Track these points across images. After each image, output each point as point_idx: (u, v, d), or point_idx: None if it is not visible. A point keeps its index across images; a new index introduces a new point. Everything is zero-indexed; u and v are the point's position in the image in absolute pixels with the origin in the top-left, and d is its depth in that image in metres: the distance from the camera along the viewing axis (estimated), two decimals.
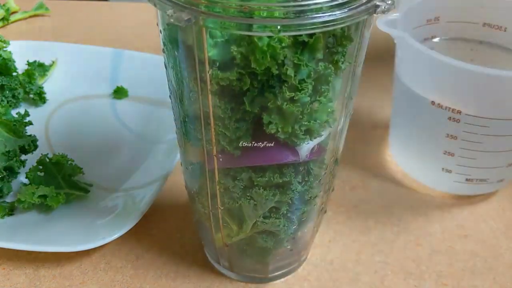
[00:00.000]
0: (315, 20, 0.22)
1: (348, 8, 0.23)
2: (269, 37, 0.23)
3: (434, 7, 0.48)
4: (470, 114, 0.39)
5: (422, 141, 0.45)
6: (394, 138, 0.50)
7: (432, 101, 0.40)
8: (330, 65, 0.25)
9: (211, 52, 0.24)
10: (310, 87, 0.25)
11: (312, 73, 0.24)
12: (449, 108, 0.40)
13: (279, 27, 0.22)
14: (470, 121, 0.39)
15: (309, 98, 0.25)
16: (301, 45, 0.23)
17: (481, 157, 0.42)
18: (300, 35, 0.23)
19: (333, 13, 0.22)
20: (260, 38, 0.23)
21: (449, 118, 0.40)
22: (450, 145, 0.42)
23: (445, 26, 0.48)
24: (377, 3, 0.24)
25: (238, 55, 0.23)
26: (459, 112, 0.39)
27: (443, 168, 0.44)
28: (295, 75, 0.24)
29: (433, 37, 0.49)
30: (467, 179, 0.44)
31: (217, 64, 0.24)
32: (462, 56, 0.48)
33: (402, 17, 0.42)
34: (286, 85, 0.24)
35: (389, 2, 0.24)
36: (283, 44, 0.23)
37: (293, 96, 0.25)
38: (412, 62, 0.42)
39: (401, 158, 0.49)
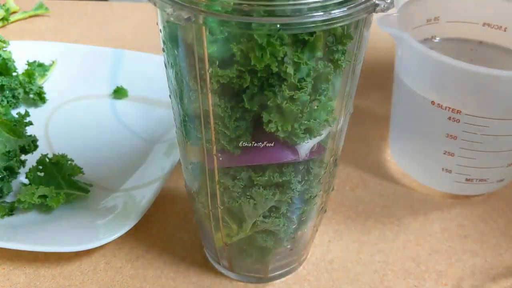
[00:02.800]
0: (314, 19, 0.22)
1: (347, 7, 0.23)
2: (269, 34, 0.23)
3: (434, 7, 0.48)
4: (470, 114, 0.39)
5: (422, 141, 0.45)
6: (394, 138, 0.50)
7: (432, 101, 0.40)
8: (330, 64, 0.25)
9: (210, 49, 0.24)
10: (309, 85, 0.25)
11: (311, 71, 0.24)
12: (449, 108, 0.40)
13: (278, 25, 0.22)
14: (470, 121, 0.39)
15: (308, 97, 0.25)
16: (301, 43, 0.23)
17: (481, 157, 0.42)
18: (300, 33, 0.23)
19: (333, 12, 0.22)
20: (260, 35, 0.23)
21: (449, 118, 0.40)
22: (450, 145, 0.42)
23: (445, 26, 0.48)
24: (377, 1, 0.24)
25: (238, 52, 0.23)
26: (459, 112, 0.39)
27: (443, 168, 0.44)
28: (294, 74, 0.24)
29: (433, 37, 0.49)
30: (467, 179, 0.44)
31: (217, 62, 0.24)
32: (462, 56, 0.48)
33: (402, 17, 0.42)
34: (286, 84, 0.24)
35: (388, 1, 0.24)
36: (283, 41, 0.23)
37: (293, 95, 0.25)
38: (412, 62, 0.42)
39: (400, 158, 0.49)
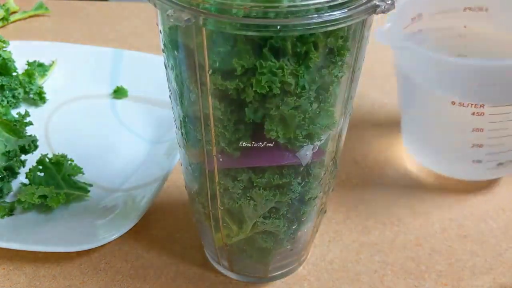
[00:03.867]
0: (315, 20, 0.22)
1: (347, 8, 0.23)
2: (273, 62, 0.23)
3: (416, 6, 0.48)
4: (493, 106, 0.39)
5: (447, 139, 0.45)
6: (410, 140, 0.49)
7: (453, 102, 0.40)
8: (331, 70, 0.25)
9: (212, 59, 0.24)
10: (311, 93, 0.25)
11: (312, 82, 0.24)
12: (472, 104, 0.40)
13: (279, 26, 0.22)
14: (494, 112, 0.40)
15: (310, 104, 0.25)
16: (301, 56, 0.23)
17: (509, 141, 0.42)
18: (299, 46, 0.23)
19: (333, 13, 0.22)
20: (261, 71, 0.23)
21: (473, 113, 0.40)
22: (478, 138, 0.42)
23: (429, 19, 0.48)
24: (377, 3, 0.24)
25: (239, 68, 0.23)
26: (482, 106, 0.40)
27: (473, 160, 0.44)
28: (296, 85, 0.24)
29: (419, 30, 0.49)
30: (498, 164, 0.44)
31: (220, 72, 0.24)
32: (453, 43, 0.49)
33: (393, 24, 0.42)
34: (287, 94, 0.24)
35: (389, 2, 0.24)
36: (285, 70, 0.23)
37: (294, 104, 0.25)
38: (426, 69, 0.42)
39: (422, 157, 0.49)
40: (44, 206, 0.42)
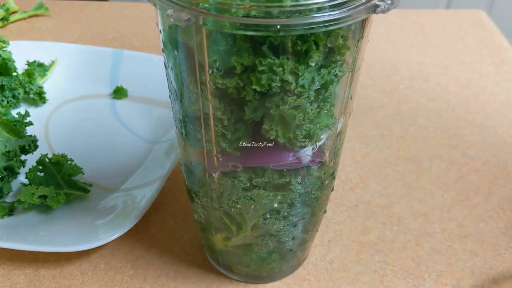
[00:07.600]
0: (314, 20, 0.22)
1: (347, 8, 0.23)
2: (272, 59, 0.23)
3: None
4: None
5: None
6: None
7: None
8: (331, 69, 0.25)
9: (212, 58, 0.24)
10: (311, 92, 0.25)
11: (312, 81, 0.24)
12: None
13: (279, 26, 0.22)
14: None
15: (309, 104, 0.25)
16: (301, 54, 0.23)
17: None
18: (299, 44, 0.23)
19: (333, 13, 0.22)
20: (261, 69, 0.23)
21: None
22: None
23: None
24: (377, 2, 0.24)
25: (239, 66, 0.23)
26: None
27: None
28: (296, 83, 0.24)
29: None
30: None
31: (219, 70, 0.24)
32: None
33: None
34: (287, 93, 0.24)
35: (389, 1, 0.24)
36: (285, 68, 0.23)
37: (294, 102, 0.25)
38: None
39: None
40: (44, 206, 0.42)
